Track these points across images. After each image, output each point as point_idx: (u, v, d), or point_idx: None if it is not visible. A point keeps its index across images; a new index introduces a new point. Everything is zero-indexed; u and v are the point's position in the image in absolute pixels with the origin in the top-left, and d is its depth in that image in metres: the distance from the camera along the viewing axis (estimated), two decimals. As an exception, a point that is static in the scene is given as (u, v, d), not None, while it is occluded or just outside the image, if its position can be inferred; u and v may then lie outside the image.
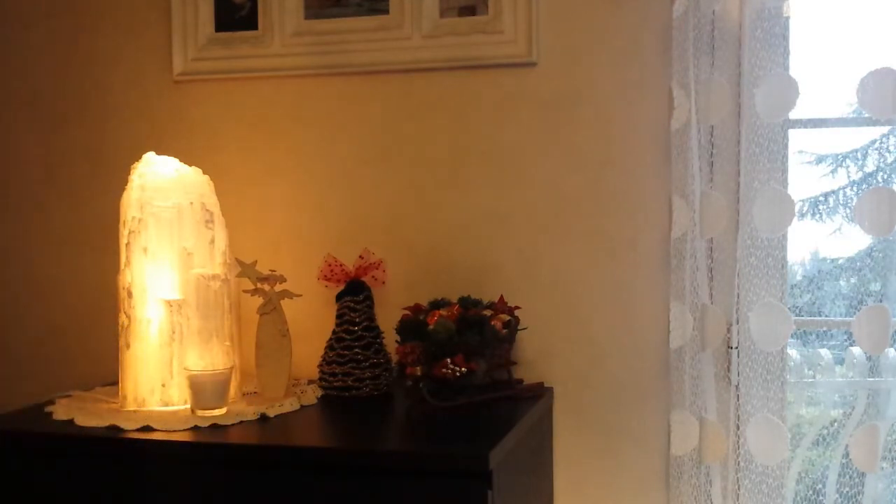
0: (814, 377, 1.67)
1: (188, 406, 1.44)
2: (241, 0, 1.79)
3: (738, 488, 1.59)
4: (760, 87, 1.52)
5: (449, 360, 1.46)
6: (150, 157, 1.52)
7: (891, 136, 1.75)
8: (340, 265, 1.61)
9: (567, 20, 1.67)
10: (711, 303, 1.59)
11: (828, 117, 1.64)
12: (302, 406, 1.51)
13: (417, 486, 1.19)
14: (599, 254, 1.68)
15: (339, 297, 1.62)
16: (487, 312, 1.55)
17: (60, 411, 1.46)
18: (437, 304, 1.59)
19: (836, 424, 1.68)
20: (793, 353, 1.64)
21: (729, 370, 1.59)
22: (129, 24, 1.85)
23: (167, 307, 1.46)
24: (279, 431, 1.36)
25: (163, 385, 1.47)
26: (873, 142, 1.78)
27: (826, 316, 1.78)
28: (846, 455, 1.58)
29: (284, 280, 1.55)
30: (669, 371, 1.63)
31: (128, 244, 1.48)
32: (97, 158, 1.87)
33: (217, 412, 1.41)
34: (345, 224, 1.77)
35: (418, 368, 1.49)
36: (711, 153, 1.61)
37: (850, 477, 1.61)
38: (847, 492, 1.62)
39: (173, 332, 1.47)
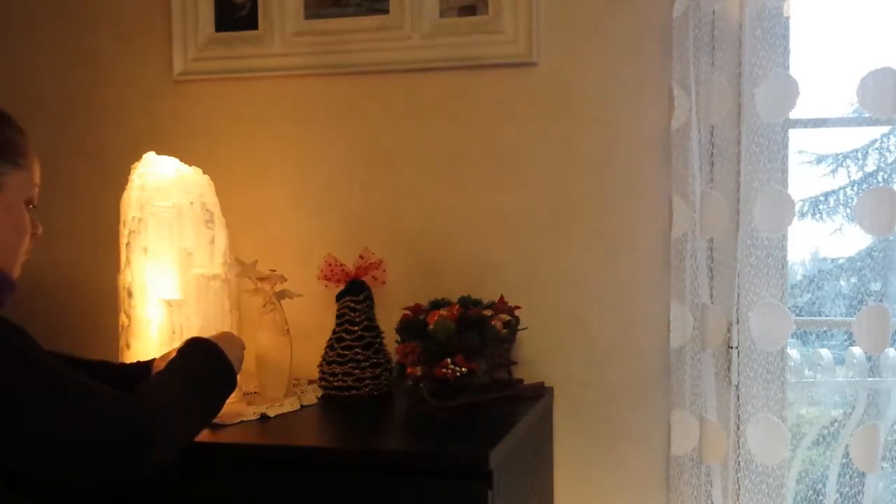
0: (814, 377, 1.67)
1: (188, 406, 1.44)
2: (241, 0, 1.79)
3: (739, 488, 1.59)
4: (760, 87, 1.52)
5: (449, 360, 1.46)
6: (150, 157, 1.52)
7: (891, 136, 1.75)
8: (340, 265, 1.61)
9: (567, 20, 1.67)
10: (711, 303, 1.59)
11: (828, 117, 1.64)
12: (302, 406, 1.51)
13: (417, 486, 1.19)
14: (599, 254, 1.68)
15: (339, 297, 1.62)
16: (487, 312, 1.55)
17: (60, 411, 1.46)
18: (437, 304, 1.59)
19: (836, 424, 1.68)
20: (793, 353, 1.64)
21: (729, 370, 1.59)
22: (129, 24, 1.85)
23: (167, 307, 1.46)
24: (279, 431, 1.36)
25: (163, 385, 1.47)
26: (873, 141, 1.78)
27: (826, 316, 1.78)
28: (846, 455, 1.58)
29: (284, 280, 1.55)
30: (669, 371, 1.63)
31: (128, 244, 1.47)
32: (97, 158, 1.87)
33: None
34: (345, 224, 1.77)
35: (418, 368, 1.49)
36: (711, 153, 1.61)
37: (850, 477, 1.61)
38: (847, 492, 1.62)
39: (173, 332, 1.47)
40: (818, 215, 1.81)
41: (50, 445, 1.03)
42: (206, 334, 1.48)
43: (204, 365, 1.27)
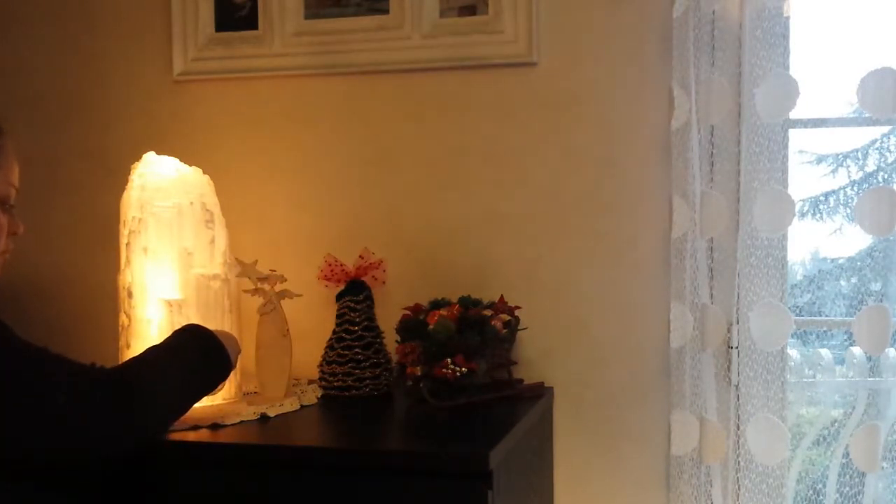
0: (814, 377, 1.67)
1: (188, 406, 1.44)
2: (241, 0, 1.79)
3: (738, 488, 1.59)
4: (760, 87, 1.52)
5: (449, 360, 1.46)
6: (150, 157, 1.52)
7: (891, 136, 1.75)
8: (340, 265, 1.61)
9: (567, 20, 1.67)
10: (711, 303, 1.59)
11: (828, 117, 1.64)
12: (302, 406, 1.51)
13: (417, 486, 1.19)
14: (599, 254, 1.68)
15: (339, 297, 1.62)
16: (487, 312, 1.55)
17: (60, 411, 1.46)
18: (437, 304, 1.59)
19: (836, 424, 1.68)
20: (793, 353, 1.64)
21: (729, 370, 1.59)
22: (129, 24, 1.85)
23: (167, 307, 1.46)
24: (279, 431, 1.36)
25: (163, 385, 1.47)
26: (874, 141, 1.78)
27: (826, 316, 1.78)
28: (846, 455, 1.58)
29: (284, 280, 1.55)
30: (669, 371, 1.63)
31: (128, 244, 1.47)
32: (97, 158, 1.87)
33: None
34: (345, 224, 1.77)
35: (418, 368, 1.49)
36: (711, 153, 1.61)
37: (851, 477, 1.61)
38: (847, 492, 1.62)
39: (173, 333, 1.47)
40: (818, 215, 1.81)
41: (32, 422, 1.06)
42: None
43: (195, 343, 1.31)
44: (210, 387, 1.31)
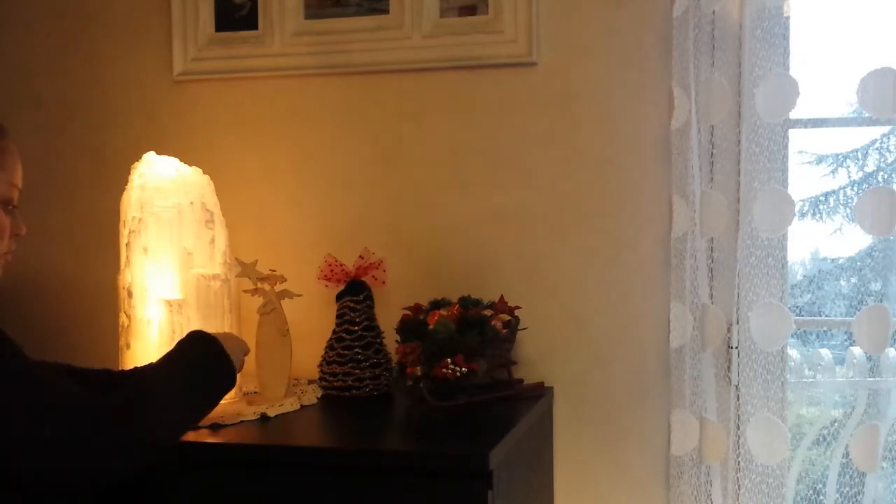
0: (814, 377, 1.67)
1: (188, 406, 1.44)
2: (241, 0, 1.79)
3: (738, 488, 1.59)
4: (760, 87, 1.52)
5: (449, 360, 1.46)
6: (150, 157, 1.52)
7: (891, 136, 1.75)
8: (340, 265, 1.61)
9: (567, 20, 1.67)
10: (711, 303, 1.59)
11: (828, 117, 1.64)
12: (302, 406, 1.51)
13: (417, 486, 1.19)
14: (599, 254, 1.68)
15: (339, 297, 1.62)
16: (488, 312, 1.55)
17: (60, 411, 1.46)
18: (437, 304, 1.59)
19: (836, 424, 1.68)
20: (793, 353, 1.64)
21: (729, 370, 1.59)
22: (129, 24, 1.85)
23: (167, 307, 1.46)
24: (279, 431, 1.36)
25: (163, 385, 1.47)
26: (874, 141, 1.78)
27: (826, 316, 1.78)
28: (846, 455, 1.58)
29: (284, 280, 1.55)
30: (669, 371, 1.63)
31: (128, 244, 1.48)
32: (97, 158, 1.87)
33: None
34: (345, 224, 1.77)
35: (418, 368, 1.49)
36: (711, 153, 1.61)
37: (851, 477, 1.61)
38: (847, 492, 1.62)
39: (173, 333, 1.47)
40: (818, 215, 1.81)
41: (28, 448, 1.03)
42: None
43: (200, 358, 1.28)
44: (214, 402, 1.29)
